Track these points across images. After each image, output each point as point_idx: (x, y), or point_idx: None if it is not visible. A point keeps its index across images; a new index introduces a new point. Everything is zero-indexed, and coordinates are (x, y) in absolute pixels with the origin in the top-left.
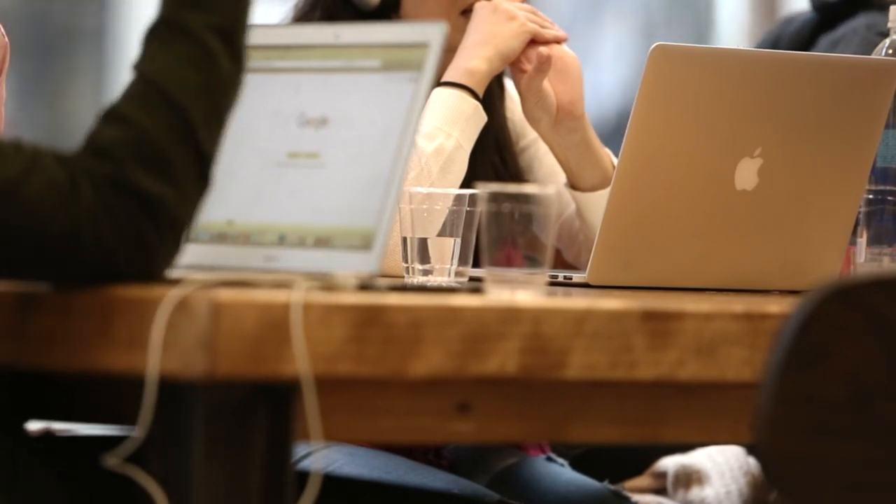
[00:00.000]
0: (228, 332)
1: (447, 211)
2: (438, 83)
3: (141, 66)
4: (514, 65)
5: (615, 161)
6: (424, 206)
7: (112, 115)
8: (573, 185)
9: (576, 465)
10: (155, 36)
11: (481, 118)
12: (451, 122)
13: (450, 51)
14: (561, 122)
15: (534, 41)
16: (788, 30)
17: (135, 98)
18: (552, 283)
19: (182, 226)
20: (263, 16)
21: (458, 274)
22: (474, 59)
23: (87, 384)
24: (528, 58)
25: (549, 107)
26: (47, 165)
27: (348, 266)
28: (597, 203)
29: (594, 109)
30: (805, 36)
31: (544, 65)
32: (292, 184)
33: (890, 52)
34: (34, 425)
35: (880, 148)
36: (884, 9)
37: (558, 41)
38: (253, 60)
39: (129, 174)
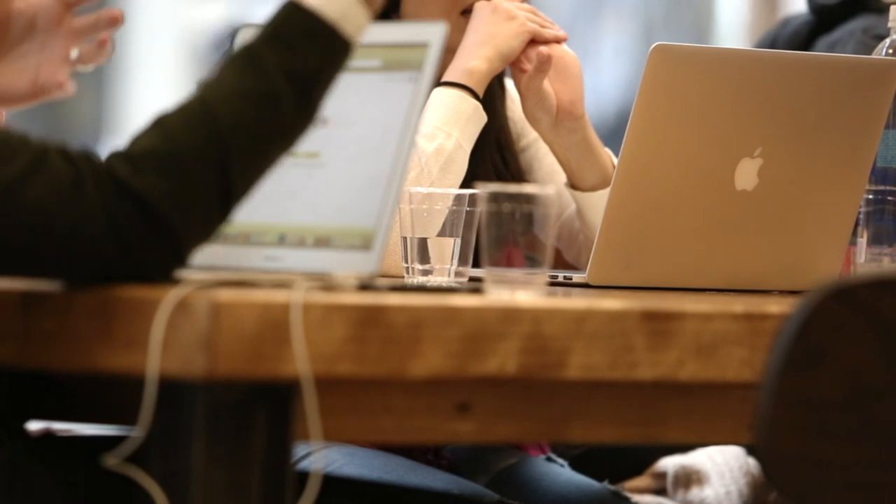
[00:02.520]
0: (228, 333)
1: (447, 211)
2: (438, 83)
3: (206, 85)
4: (514, 64)
5: (615, 161)
6: (424, 206)
7: (158, 123)
8: (573, 185)
9: (576, 465)
10: (232, 61)
11: (481, 118)
12: (450, 122)
13: (450, 51)
14: (561, 122)
15: (534, 41)
16: (785, 32)
17: (185, 114)
18: (552, 284)
19: (183, 247)
20: (263, 15)
21: (457, 274)
22: (474, 59)
23: (88, 384)
24: (528, 57)
25: (549, 107)
26: (53, 163)
27: (348, 266)
28: (597, 203)
29: (594, 109)
30: (802, 38)
31: (544, 64)
32: (292, 183)
33: (890, 51)
34: (35, 425)
35: (880, 148)
36: (881, 12)
37: (558, 41)
38: None
39: (138, 181)
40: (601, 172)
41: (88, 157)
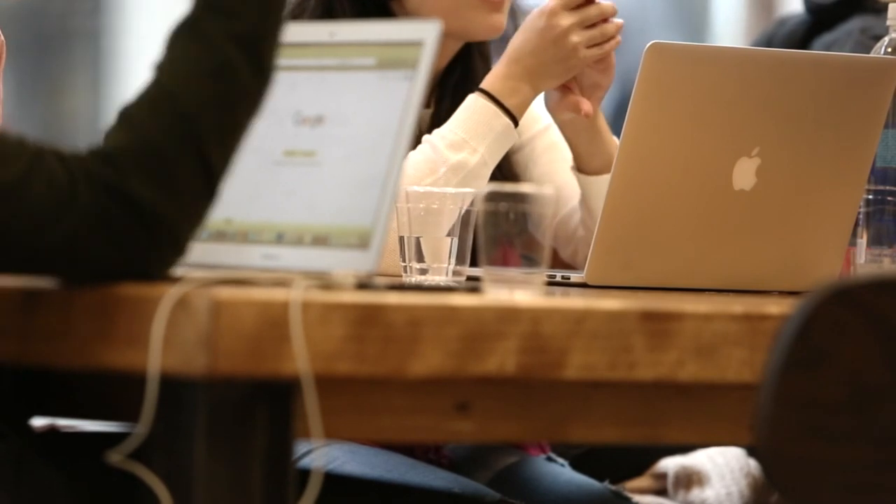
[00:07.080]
0: (228, 331)
1: (447, 211)
2: (477, 89)
3: (159, 69)
4: None
5: None
6: (422, 206)
7: (123, 117)
8: (579, 168)
9: (576, 465)
10: (177, 38)
11: (511, 138)
12: (479, 137)
13: (456, 37)
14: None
15: None
16: (781, 31)
17: (147, 103)
18: (550, 283)
19: (180, 237)
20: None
21: (455, 273)
22: (525, 84)
23: (91, 381)
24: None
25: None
26: (49, 166)
27: (346, 265)
28: (600, 188)
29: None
30: (798, 38)
31: (580, 113)
32: (289, 182)
33: (889, 50)
34: (38, 422)
35: (880, 148)
36: (878, 12)
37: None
38: None
39: (127, 182)
40: (607, 157)
41: (84, 161)
